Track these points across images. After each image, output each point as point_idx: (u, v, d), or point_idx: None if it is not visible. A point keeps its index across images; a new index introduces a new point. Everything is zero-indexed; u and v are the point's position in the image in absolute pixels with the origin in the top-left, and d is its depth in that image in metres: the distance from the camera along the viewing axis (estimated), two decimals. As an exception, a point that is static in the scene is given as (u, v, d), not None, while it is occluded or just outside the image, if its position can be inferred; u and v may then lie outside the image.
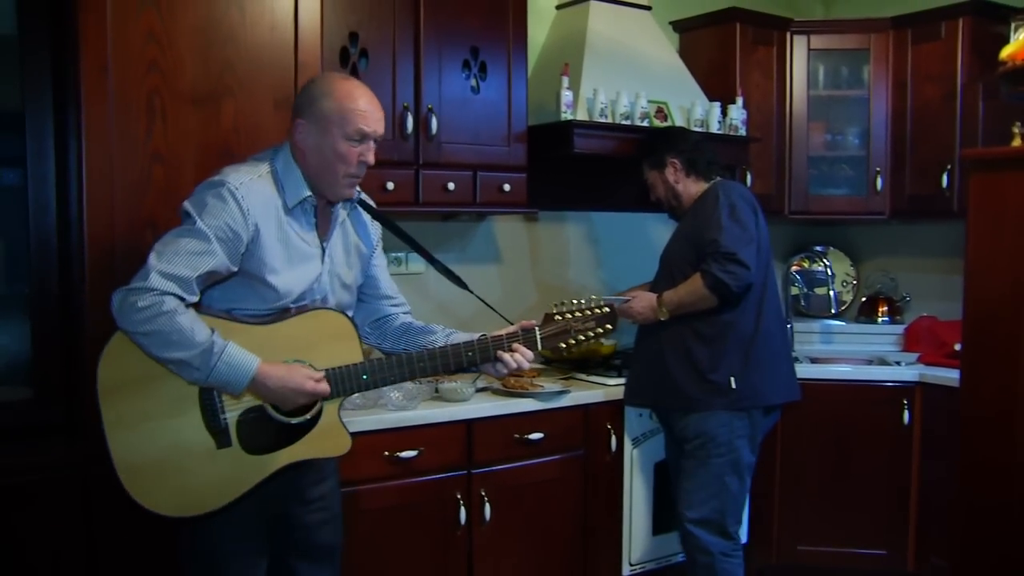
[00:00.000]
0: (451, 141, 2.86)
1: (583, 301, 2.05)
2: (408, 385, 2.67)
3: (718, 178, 2.85)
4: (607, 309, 2.05)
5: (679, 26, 3.85)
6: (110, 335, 2.04)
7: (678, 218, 2.91)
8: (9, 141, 2.19)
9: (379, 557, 2.55)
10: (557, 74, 3.11)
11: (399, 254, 3.12)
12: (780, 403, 2.82)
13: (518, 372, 2.04)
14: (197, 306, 1.80)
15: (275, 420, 1.86)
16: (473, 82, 2.91)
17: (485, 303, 2.22)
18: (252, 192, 1.80)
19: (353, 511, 2.48)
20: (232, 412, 1.84)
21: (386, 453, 2.54)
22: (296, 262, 1.88)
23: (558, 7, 3.49)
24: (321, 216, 1.94)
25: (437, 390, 2.76)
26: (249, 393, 1.81)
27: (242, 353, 1.76)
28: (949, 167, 3.47)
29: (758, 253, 2.69)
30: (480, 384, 2.90)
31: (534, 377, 2.97)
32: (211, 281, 1.81)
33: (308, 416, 1.89)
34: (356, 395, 2.56)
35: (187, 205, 1.80)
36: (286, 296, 1.87)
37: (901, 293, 4.02)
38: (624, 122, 3.16)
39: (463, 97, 2.89)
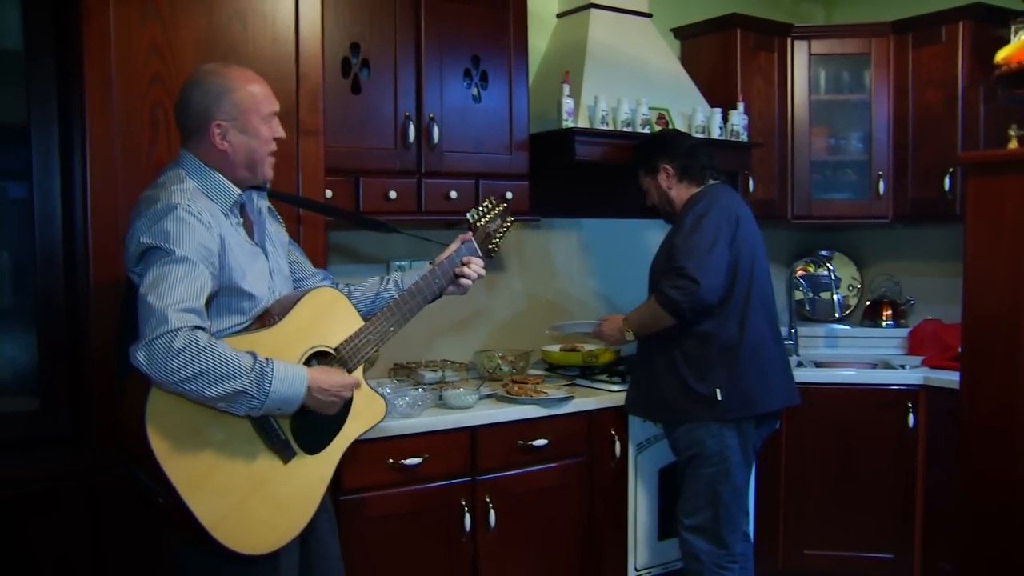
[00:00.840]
0: (453, 150, 2.87)
1: (485, 204, 2.27)
2: (412, 392, 2.69)
3: (711, 182, 2.83)
4: (504, 204, 2.30)
5: (680, 33, 3.86)
6: (114, 346, 2.04)
7: (670, 222, 2.91)
8: (15, 154, 2.21)
9: (384, 565, 2.55)
10: (558, 82, 3.12)
11: (403, 263, 3.13)
12: (774, 411, 2.81)
13: (475, 281, 2.19)
14: None
15: (320, 412, 1.86)
16: (474, 91, 2.93)
17: (417, 236, 2.36)
18: (201, 205, 1.77)
19: (357, 519, 2.49)
20: (284, 423, 1.83)
21: (390, 460, 2.54)
22: (250, 261, 1.87)
23: (559, 15, 3.50)
24: (244, 217, 1.93)
25: (441, 397, 2.77)
26: (304, 405, 1.78)
27: (289, 367, 1.73)
28: (951, 170, 3.46)
29: (734, 265, 2.67)
30: (484, 391, 2.91)
31: (538, 384, 2.98)
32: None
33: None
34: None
35: (148, 241, 1.68)
36: (260, 299, 1.85)
37: (905, 297, 4.01)
38: (625, 129, 3.16)
39: (465, 106, 2.90)
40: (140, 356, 1.58)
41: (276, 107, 1.91)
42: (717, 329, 2.68)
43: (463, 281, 2.15)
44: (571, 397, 2.90)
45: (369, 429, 2.02)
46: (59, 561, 2.12)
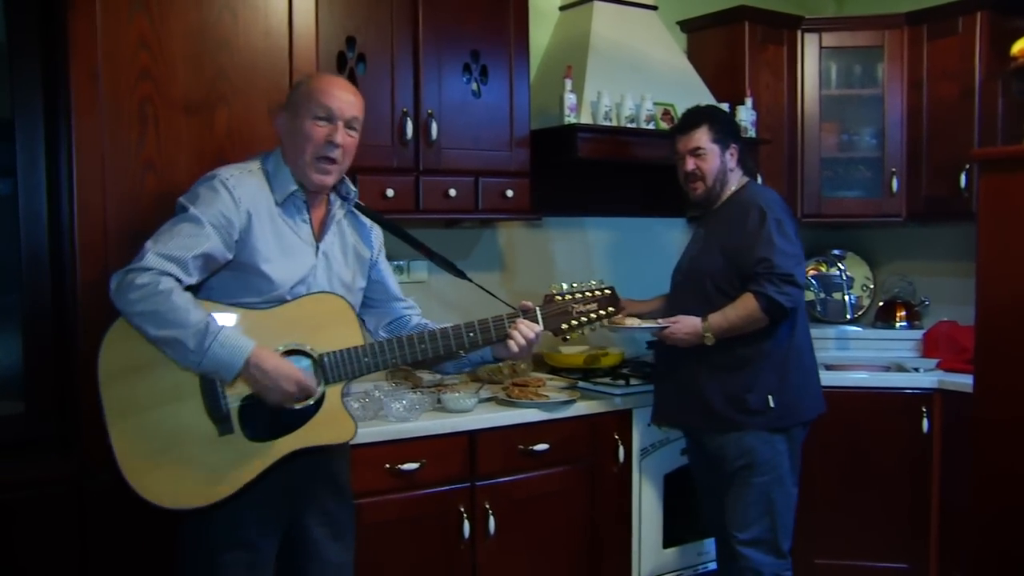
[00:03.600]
0: (452, 147, 2.81)
1: (584, 284, 2.11)
2: (410, 395, 2.63)
3: (746, 179, 2.75)
4: (608, 291, 2.10)
5: (686, 26, 3.79)
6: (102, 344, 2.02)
7: (702, 207, 2.74)
8: (-1, 150, 2.17)
9: (381, 573, 2.49)
10: (560, 77, 3.06)
11: (400, 262, 3.08)
12: (815, 417, 2.72)
13: (529, 347, 2.04)
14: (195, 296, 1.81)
15: (261, 396, 1.83)
16: (474, 86, 2.87)
17: (485, 290, 2.24)
18: (242, 183, 1.86)
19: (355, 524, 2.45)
20: (234, 397, 1.83)
21: (387, 465, 2.49)
22: (289, 253, 1.91)
23: (561, 8, 3.44)
24: (316, 215, 1.98)
25: (439, 400, 2.71)
26: (242, 379, 1.79)
27: (238, 335, 1.77)
28: (967, 167, 3.38)
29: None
30: (484, 394, 2.84)
31: (539, 387, 2.91)
32: (209, 269, 1.83)
33: (311, 400, 1.87)
34: (356, 407, 2.55)
35: (181, 200, 1.85)
36: (280, 287, 1.88)
37: (919, 297, 3.93)
38: (629, 125, 3.10)
39: (464, 101, 2.84)
40: (113, 281, 1.75)
41: (336, 108, 1.90)
42: (771, 335, 2.58)
43: (510, 343, 2.02)
44: (573, 400, 2.84)
45: (329, 444, 1.93)
46: (45, 569, 2.08)
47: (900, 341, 3.84)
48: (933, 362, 3.57)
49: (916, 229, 3.89)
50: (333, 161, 1.91)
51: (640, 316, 2.71)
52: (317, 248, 1.96)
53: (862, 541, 3.35)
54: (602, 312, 2.10)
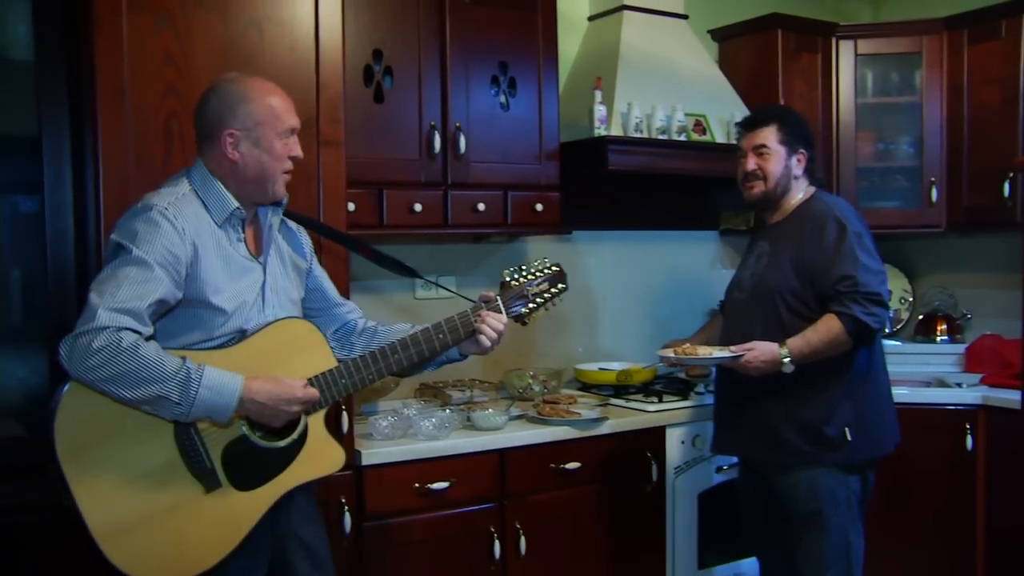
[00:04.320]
0: (480, 160, 2.78)
1: (533, 263, 2.07)
2: (439, 414, 2.60)
3: (813, 188, 2.57)
4: (556, 268, 2.09)
5: (717, 35, 3.73)
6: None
7: (758, 210, 2.62)
8: (26, 167, 2.18)
9: (409, 595, 2.45)
10: (590, 88, 3.02)
11: (431, 276, 3.03)
12: (892, 451, 2.53)
13: (499, 338, 1.97)
14: None
15: (262, 448, 1.75)
16: (502, 98, 2.83)
17: (441, 286, 2.21)
18: (182, 211, 1.72)
19: (383, 545, 2.42)
20: (215, 449, 1.71)
21: (416, 485, 2.45)
22: (237, 277, 1.78)
23: (590, 18, 3.40)
24: (249, 232, 1.86)
25: (469, 418, 2.68)
26: (237, 416, 1.69)
27: (222, 374, 1.64)
28: (1011, 175, 3.28)
29: None
30: (514, 412, 2.79)
31: (570, 404, 2.86)
32: (159, 314, 1.68)
33: (295, 435, 1.79)
34: (385, 425, 2.51)
35: (115, 238, 1.68)
36: (233, 317, 1.76)
37: (961, 310, 3.82)
38: (660, 137, 3.06)
39: (492, 114, 2.81)
40: (63, 350, 1.57)
41: (295, 124, 1.84)
42: (849, 358, 2.38)
43: (479, 338, 1.95)
44: (605, 418, 2.78)
45: (319, 478, 1.86)
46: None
47: (941, 355, 3.73)
48: (976, 377, 3.46)
49: (957, 240, 3.79)
50: (291, 172, 1.85)
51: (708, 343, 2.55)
52: (263, 267, 1.84)
53: (903, 565, 3.24)
54: (554, 291, 2.08)
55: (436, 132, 2.68)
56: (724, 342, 2.51)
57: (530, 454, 2.63)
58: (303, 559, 1.91)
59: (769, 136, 2.49)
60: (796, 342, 2.34)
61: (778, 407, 2.40)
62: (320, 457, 1.83)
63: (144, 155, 2.12)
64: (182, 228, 1.69)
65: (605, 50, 3.23)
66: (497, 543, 2.55)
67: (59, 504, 2.02)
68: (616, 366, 3.25)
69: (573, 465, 2.68)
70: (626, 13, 3.22)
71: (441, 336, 1.93)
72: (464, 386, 3.01)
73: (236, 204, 1.80)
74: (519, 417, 2.78)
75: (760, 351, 2.35)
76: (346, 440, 2.37)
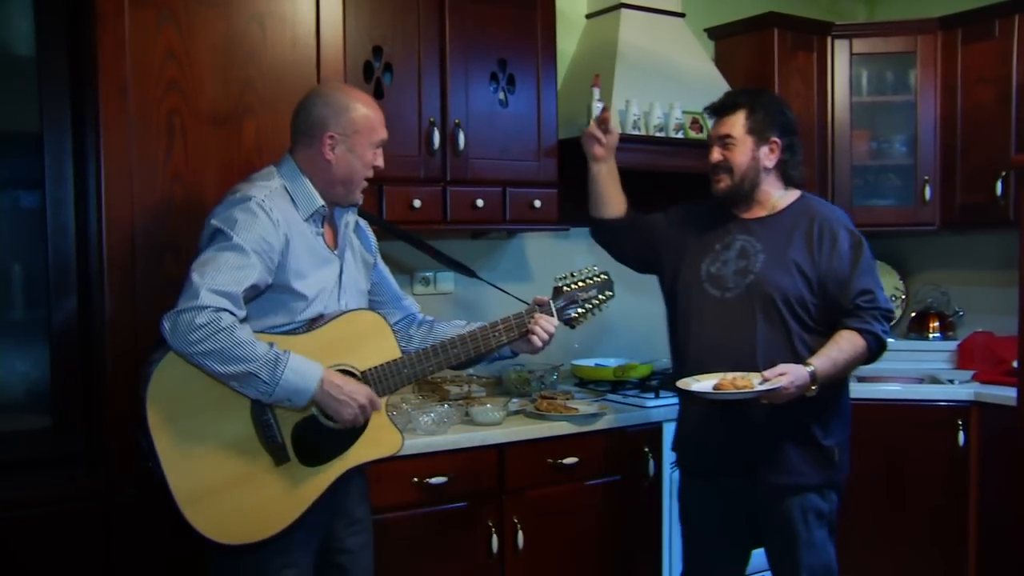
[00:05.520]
0: (479, 157, 2.79)
1: (583, 271, 2.20)
2: (438, 409, 2.61)
3: (798, 192, 2.37)
4: (604, 276, 2.21)
5: (714, 33, 3.75)
6: (130, 362, 2.01)
7: (728, 205, 2.34)
8: (28, 163, 2.18)
9: (408, 588, 2.46)
10: (588, 85, 3.03)
11: (427, 273, 3.05)
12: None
13: (549, 340, 2.10)
14: None
15: (328, 428, 1.86)
16: (501, 95, 2.84)
17: (499, 288, 2.26)
18: (276, 204, 1.84)
19: (381, 539, 2.40)
20: (286, 427, 1.83)
21: (415, 479, 2.47)
22: (319, 267, 1.92)
23: (588, 16, 3.41)
24: (328, 227, 1.99)
25: (467, 414, 2.69)
26: (312, 402, 1.80)
27: (305, 361, 1.77)
28: (1004, 174, 3.31)
29: None
30: (512, 407, 2.81)
31: (567, 399, 2.87)
32: (250, 297, 1.81)
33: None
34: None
35: (216, 223, 1.80)
36: (313, 302, 1.88)
37: (953, 308, 3.85)
38: (658, 134, 3.07)
39: (491, 111, 2.82)
40: (166, 324, 1.69)
41: (385, 136, 1.98)
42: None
43: (532, 338, 2.08)
44: (603, 413, 2.79)
45: (378, 459, 1.98)
46: (71, 584, 2.06)
47: (934, 352, 3.76)
48: (969, 374, 3.49)
49: (950, 238, 3.82)
50: (370, 180, 2.00)
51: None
52: (339, 260, 1.97)
53: (896, 560, 3.27)
54: (601, 297, 2.20)
55: (435, 128, 2.69)
56: (706, 349, 2.27)
57: (528, 449, 2.64)
58: (353, 534, 2.03)
59: (736, 124, 2.29)
60: (823, 363, 2.13)
61: (785, 424, 2.21)
62: (379, 441, 1.94)
63: (146, 150, 2.13)
64: (277, 219, 1.82)
65: (603, 48, 3.24)
66: (495, 537, 2.57)
67: (62, 500, 2.06)
68: (613, 362, 3.27)
69: (571, 460, 2.70)
70: (624, 11, 3.23)
71: (497, 335, 2.06)
72: (462, 382, 3.02)
73: (322, 202, 1.92)
74: (517, 413, 2.79)
75: (794, 375, 2.10)
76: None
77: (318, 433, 1.86)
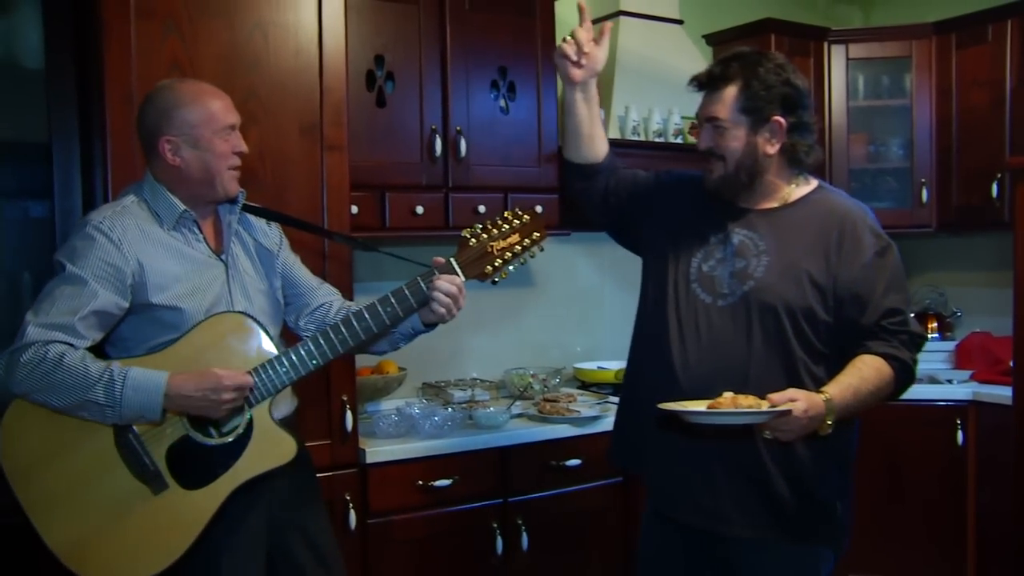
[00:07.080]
0: (481, 163, 2.81)
1: (500, 215, 1.85)
2: (441, 412, 2.63)
3: (815, 182, 1.92)
4: (527, 216, 1.84)
5: (712, 39, 3.77)
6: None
7: (725, 197, 1.87)
8: (36, 173, 2.21)
9: (413, 590, 2.48)
10: (587, 90, 3.05)
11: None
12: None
13: (455, 303, 1.80)
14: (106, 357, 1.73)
15: (206, 445, 1.73)
16: (502, 103, 2.87)
17: (396, 256, 2.02)
18: (118, 223, 1.74)
19: (385, 542, 2.45)
20: (158, 452, 1.72)
21: (419, 482, 2.49)
22: (197, 273, 1.80)
23: (587, 24, 3.43)
24: (209, 231, 1.87)
25: (471, 416, 2.71)
26: (171, 412, 1.70)
27: (146, 372, 1.66)
28: (999, 176, 3.33)
29: None
30: (515, 410, 2.83)
31: (570, 402, 2.90)
32: (108, 324, 1.72)
33: (240, 430, 1.76)
34: (388, 424, 2.55)
35: (57, 256, 1.73)
36: (193, 315, 1.76)
37: (951, 308, 3.88)
38: (657, 139, 3.09)
39: (492, 118, 2.84)
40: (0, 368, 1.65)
41: (233, 120, 1.82)
42: None
43: (433, 305, 1.80)
44: (605, 415, 2.81)
45: (274, 468, 1.79)
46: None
47: (932, 353, 3.77)
48: (966, 374, 3.52)
49: (947, 239, 3.85)
50: (239, 167, 1.86)
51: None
52: (224, 263, 1.85)
53: (896, 558, 3.29)
54: (527, 241, 1.84)
55: (437, 135, 2.72)
56: (681, 367, 1.81)
57: (531, 451, 2.66)
58: (306, 548, 1.90)
59: (725, 103, 1.81)
60: (842, 393, 1.68)
61: (778, 467, 1.76)
62: (268, 450, 1.77)
63: (152, 160, 2.15)
64: (118, 239, 1.72)
65: (602, 54, 3.27)
66: (499, 539, 2.58)
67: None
68: (615, 365, 3.29)
69: (574, 462, 2.72)
70: (623, 19, 3.26)
71: (389, 308, 1.80)
72: (465, 385, 3.04)
73: (183, 208, 1.81)
74: (520, 415, 2.82)
75: (809, 404, 1.64)
76: (350, 439, 2.41)
77: (195, 453, 1.73)
